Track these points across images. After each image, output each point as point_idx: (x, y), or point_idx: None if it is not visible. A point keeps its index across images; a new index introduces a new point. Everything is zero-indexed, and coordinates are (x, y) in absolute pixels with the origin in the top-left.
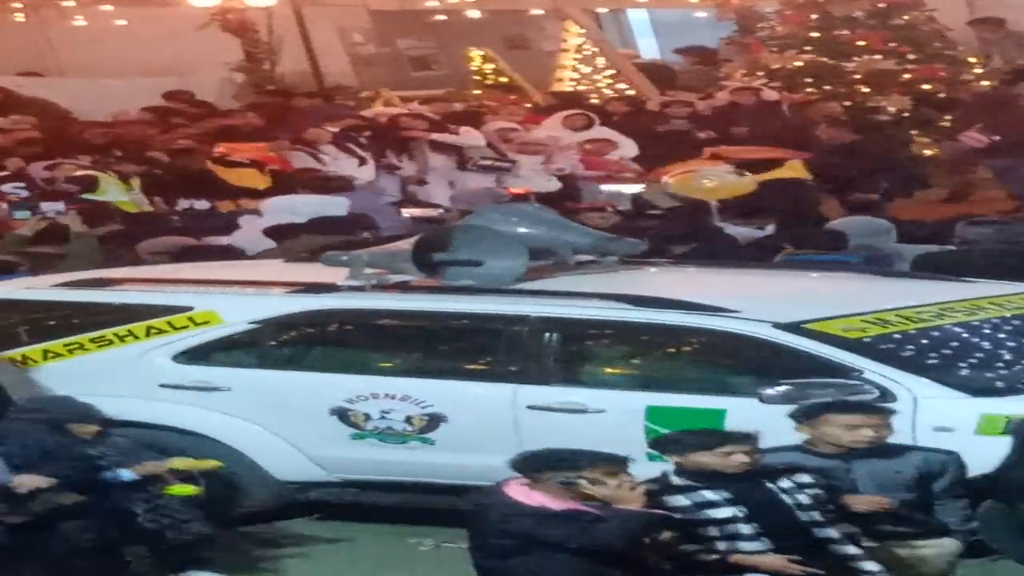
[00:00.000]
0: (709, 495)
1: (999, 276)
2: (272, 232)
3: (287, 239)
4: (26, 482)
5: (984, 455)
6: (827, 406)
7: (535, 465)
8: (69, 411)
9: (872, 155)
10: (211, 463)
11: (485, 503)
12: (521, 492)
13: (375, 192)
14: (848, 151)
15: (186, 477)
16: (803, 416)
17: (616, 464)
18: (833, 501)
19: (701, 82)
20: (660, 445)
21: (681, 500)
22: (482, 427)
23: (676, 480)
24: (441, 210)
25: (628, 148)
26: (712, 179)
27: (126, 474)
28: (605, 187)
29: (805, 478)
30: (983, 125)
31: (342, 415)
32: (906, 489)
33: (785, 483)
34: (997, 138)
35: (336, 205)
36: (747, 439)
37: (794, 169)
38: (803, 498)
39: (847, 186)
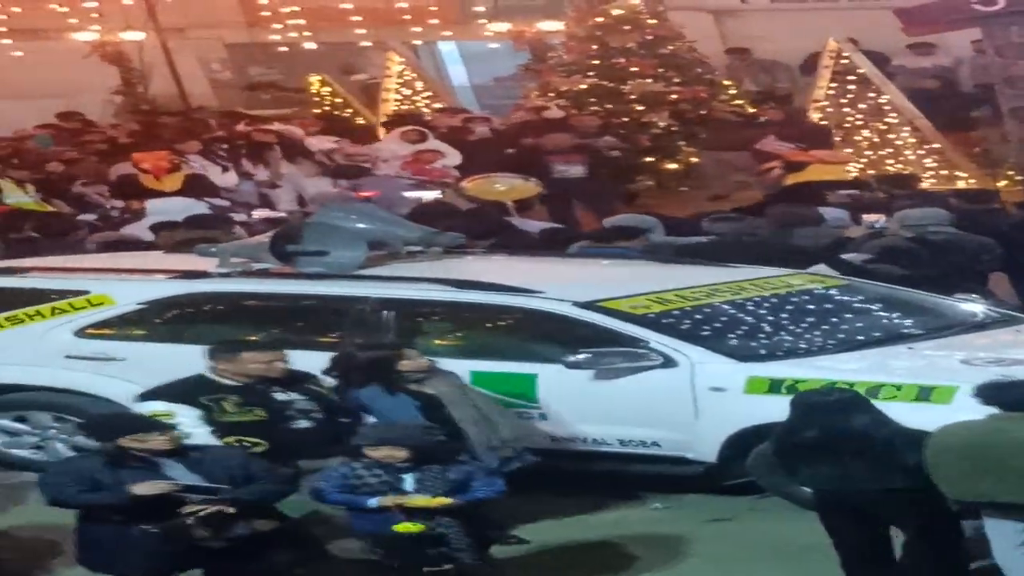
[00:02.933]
0: None
1: (742, 261)
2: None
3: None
4: (146, 489)
5: (753, 411)
6: None
7: None
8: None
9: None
10: (442, 500)
11: None
12: None
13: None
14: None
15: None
16: None
17: None
18: None
19: None
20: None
21: None
22: None
23: None
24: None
25: (452, 158)
26: (503, 184)
27: (372, 501)
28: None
29: None
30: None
31: None
32: None
33: None
34: (804, 146)
35: (201, 207)
36: None
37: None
38: None
39: None
